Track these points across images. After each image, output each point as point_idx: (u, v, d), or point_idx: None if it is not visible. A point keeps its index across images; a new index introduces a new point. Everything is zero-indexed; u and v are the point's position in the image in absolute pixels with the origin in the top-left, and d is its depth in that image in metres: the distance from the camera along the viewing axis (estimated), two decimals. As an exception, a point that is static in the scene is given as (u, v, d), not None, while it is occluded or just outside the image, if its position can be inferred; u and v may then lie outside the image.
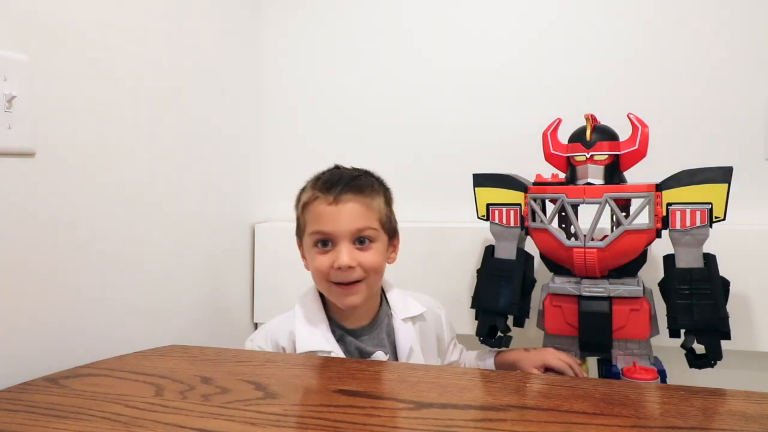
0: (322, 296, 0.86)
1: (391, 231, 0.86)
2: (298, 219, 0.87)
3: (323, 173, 0.86)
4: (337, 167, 0.88)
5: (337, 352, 0.81)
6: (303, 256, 0.88)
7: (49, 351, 0.75)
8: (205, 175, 1.09)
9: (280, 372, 0.71)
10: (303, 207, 0.84)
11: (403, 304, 0.88)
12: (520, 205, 0.90)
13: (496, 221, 0.92)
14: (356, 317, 0.85)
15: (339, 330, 0.84)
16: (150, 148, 0.94)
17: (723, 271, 0.80)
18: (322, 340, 0.81)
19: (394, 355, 0.84)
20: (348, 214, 0.79)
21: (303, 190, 0.86)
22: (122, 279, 0.88)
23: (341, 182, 0.81)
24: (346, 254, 0.78)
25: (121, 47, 0.87)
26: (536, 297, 0.92)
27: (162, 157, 0.97)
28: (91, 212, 0.82)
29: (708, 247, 0.80)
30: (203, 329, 1.08)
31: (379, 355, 0.82)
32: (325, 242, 0.81)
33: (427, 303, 0.91)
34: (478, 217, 0.95)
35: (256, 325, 1.26)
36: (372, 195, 0.83)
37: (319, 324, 0.83)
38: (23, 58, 0.72)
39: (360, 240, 0.80)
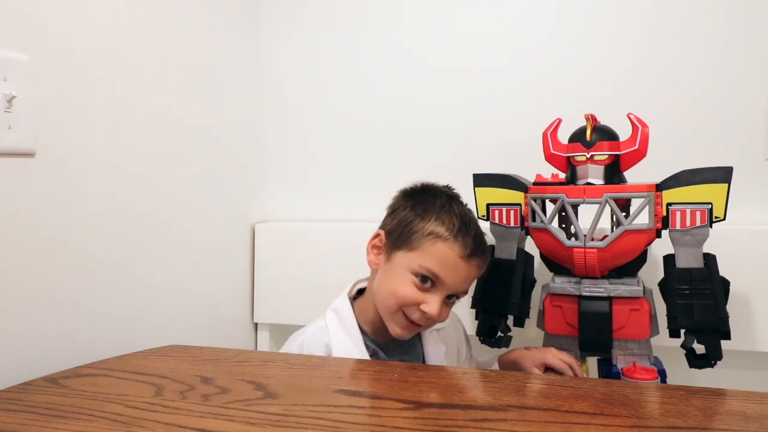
0: (352, 307, 0.86)
1: None
2: (407, 227, 0.81)
3: (449, 208, 0.81)
4: (432, 189, 0.86)
5: None
6: (377, 253, 0.84)
7: (49, 351, 0.75)
8: (206, 176, 1.09)
9: (280, 372, 0.71)
10: (429, 234, 0.79)
11: None
12: (520, 205, 0.90)
13: (496, 221, 0.92)
14: (388, 332, 0.83)
15: (372, 344, 0.84)
16: (150, 148, 0.94)
17: (723, 271, 0.80)
18: (357, 356, 0.81)
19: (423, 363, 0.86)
20: (468, 276, 0.81)
21: (428, 217, 0.80)
22: (122, 279, 0.88)
23: (474, 239, 0.79)
24: (436, 306, 0.77)
25: (121, 48, 0.87)
26: (536, 297, 0.91)
27: (162, 158, 0.97)
28: (90, 212, 0.82)
29: (708, 247, 0.80)
30: (203, 329, 1.08)
31: None
32: (427, 279, 0.78)
33: (451, 316, 0.90)
34: (478, 217, 0.94)
35: (256, 326, 1.25)
36: (486, 260, 0.83)
37: (354, 339, 0.82)
38: (23, 58, 0.72)
39: (450, 296, 0.80)
